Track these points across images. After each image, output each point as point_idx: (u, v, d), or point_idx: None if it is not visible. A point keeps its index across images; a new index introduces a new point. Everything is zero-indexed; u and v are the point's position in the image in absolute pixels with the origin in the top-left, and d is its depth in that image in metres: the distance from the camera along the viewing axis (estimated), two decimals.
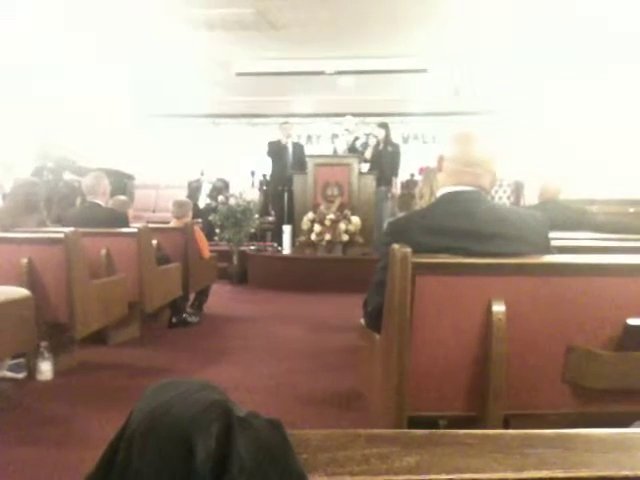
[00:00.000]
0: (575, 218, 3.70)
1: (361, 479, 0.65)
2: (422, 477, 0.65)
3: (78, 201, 6.00)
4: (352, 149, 8.59)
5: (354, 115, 9.48)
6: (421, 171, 9.29)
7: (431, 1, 6.30)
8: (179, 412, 0.64)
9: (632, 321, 1.71)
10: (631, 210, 7.13)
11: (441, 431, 0.75)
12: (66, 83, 9.11)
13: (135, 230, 4.31)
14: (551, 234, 1.97)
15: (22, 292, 3.21)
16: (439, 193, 1.96)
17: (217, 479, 0.61)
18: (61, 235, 3.43)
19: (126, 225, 4.53)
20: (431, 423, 1.88)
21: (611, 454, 0.70)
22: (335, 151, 8.81)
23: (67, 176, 7.82)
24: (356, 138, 8.83)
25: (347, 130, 8.72)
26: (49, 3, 6.18)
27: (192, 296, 5.44)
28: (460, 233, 1.80)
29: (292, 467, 0.64)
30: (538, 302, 1.73)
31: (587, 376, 1.75)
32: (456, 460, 0.68)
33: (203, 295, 5.54)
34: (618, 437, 0.75)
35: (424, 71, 8.86)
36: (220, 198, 8.28)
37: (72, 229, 3.53)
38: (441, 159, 1.97)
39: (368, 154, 8.36)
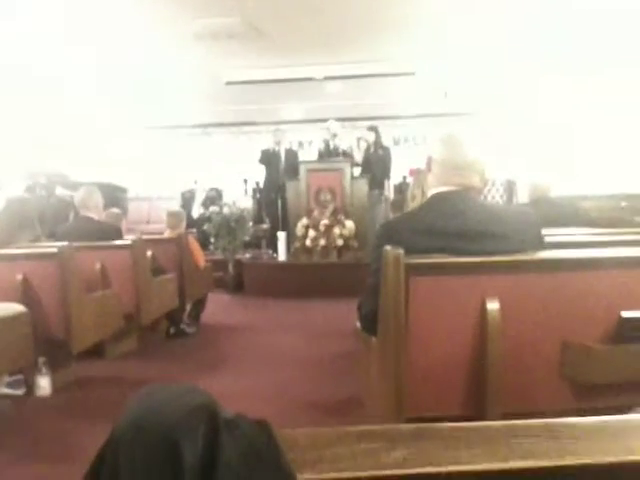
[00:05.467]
0: (567, 214, 3.70)
1: (349, 475, 0.66)
2: (409, 471, 0.65)
3: (71, 216, 5.99)
4: (338, 152, 8.55)
5: (345, 120, 9.49)
6: (412, 173, 9.33)
7: (416, 4, 6.32)
8: (165, 416, 0.64)
9: (626, 314, 1.71)
10: (623, 204, 7.15)
11: (428, 425, 0.76)
12: (56, 97, 9.11)
13: (129, 242, 4.31)
14: (543, 231, 1.98)
15: (18, 308, 3.20)
16: (429, 194, 1.97)
17: None
18: (55, 250, 3.43)
19: (120, 238, 4.52)
20: None
21: (596, 442, 0.70)
22: (320, 154, 8.74)
23: (59, 191, 7.83)
24: (329, 139, 8.71)
25: (334, 134, 8.67)
26: (44, 12, 6.16)
27: (189, 306, 5.43)
28: (451, 233, 1.80)
29: (280, 466, 0.65)
30: (532, 299, 1.73)
31: (584, 371, 1.75)
32: (443, 453, 0.69)
33: (200, 305, 5.53)
34: (602, 425, 0.76)
35: (412, 74, 8.90)
36: (212, 208, 8.27)
37: (66, 244, 3.52)
38: (430, 160, 1.98)
39: (358, 157, 8.36)
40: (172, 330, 5.04)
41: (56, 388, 3.46)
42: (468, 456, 0.68)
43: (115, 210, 5.66)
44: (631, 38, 7.21)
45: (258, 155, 8.59)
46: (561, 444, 0.70)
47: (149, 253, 4.69)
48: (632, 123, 9.14)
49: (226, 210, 7.88)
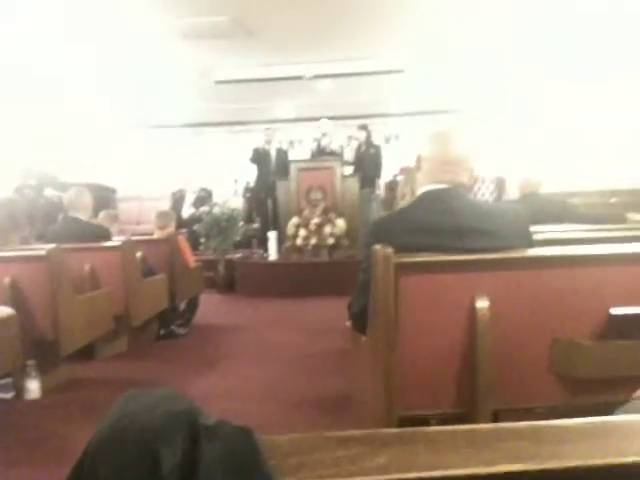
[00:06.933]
0: (556, 211, 3.71)
1: None
2: (392, 476, 0.65)
3: (60, 217, 5.96)
4: (328, 152, 8.56)
5: (335, 118, 9.48)
6: (401, 171, 9.34)
7: (404, 2, 6.31)
8: (144, 424, 0.63)
9: (615, 310, 1.72)
10: (612, 200, 7.20)
11: (412, 429, 0.75)
12: (45, 98, 9.05)
13: (119, 243, 4.29)
14: (533, 227, 1.98)
15: (6, 311, 3.18)
16: (419, 192, 1.97)
17: None
18: (43, 252, 3.40)
19: (108, 238, 4.49)
20: (422, 422, 1.88)
21: (583, 444, 0.70)
22: (312, 154, 8.77)
23: (49, 192, 7.78)
24: (320, 138, 8.75)
25: (324, 134, 8.68)
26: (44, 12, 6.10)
27: (182, 307, 5.40)
28: (441, 230, 1.81)
29: (261, 473, 0.64)
30: (521, 296, 1.74)
31: (573, 367, 1.76)
32: (426, 457, 0.68)
33: (193, 307, 5.50)
34: (590, 427, 0.75)
35: (401, 72, 8.89)
36: (202, 209, 8.24)
37: (54, 245, 3.50)
38: (419, 159, 1.99)
39: (348, 156, 8.37)
40: (162, 331, 5.01)
41: (45, 390, 3.44)
42: (453, 460, 0.67)
43: (112, 211, 5.65)
44: (635, 44, 7.25)
45: (249, 154, 8.57)
46: (548, 447, 0.69)
47: (139, 254, 4.66)
48: (629, 126, 9.22)
49: (216, 210, 7.86)
